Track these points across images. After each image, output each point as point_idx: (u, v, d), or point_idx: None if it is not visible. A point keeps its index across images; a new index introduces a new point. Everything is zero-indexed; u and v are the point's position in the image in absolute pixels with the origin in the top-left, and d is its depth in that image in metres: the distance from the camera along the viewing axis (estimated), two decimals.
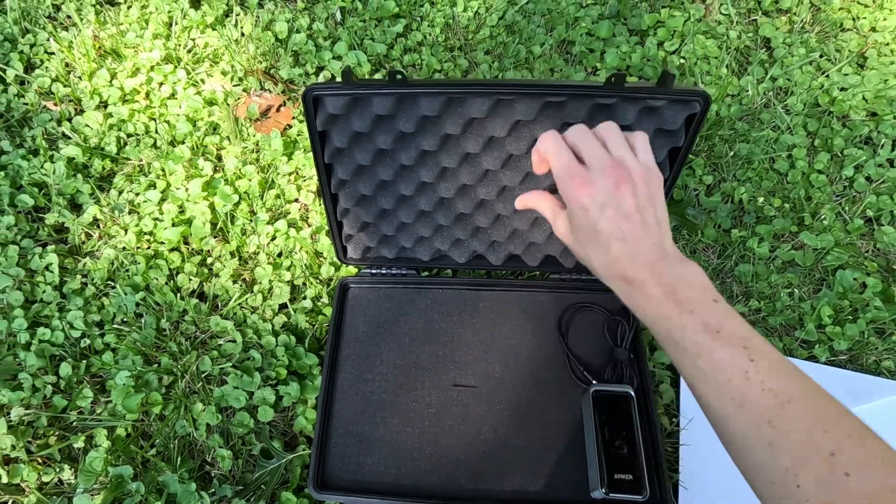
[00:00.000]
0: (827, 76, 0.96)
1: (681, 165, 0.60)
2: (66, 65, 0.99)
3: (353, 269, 0.80)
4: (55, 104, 0.94)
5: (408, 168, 0.64)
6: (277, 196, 0.86)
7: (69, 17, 1.04)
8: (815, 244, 0.80)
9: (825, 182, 0.85)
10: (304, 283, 0.79)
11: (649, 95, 0.53)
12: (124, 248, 0.81)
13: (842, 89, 0.95)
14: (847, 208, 0.83)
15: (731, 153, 0.89)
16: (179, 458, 0.67)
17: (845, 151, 0.88)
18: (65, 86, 0.96)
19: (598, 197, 0.43)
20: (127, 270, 0.80)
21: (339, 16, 1.06)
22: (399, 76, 0.53)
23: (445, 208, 0.69)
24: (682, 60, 1.00)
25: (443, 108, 0.56)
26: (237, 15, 1.05)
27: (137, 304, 0.77)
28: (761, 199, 0.84)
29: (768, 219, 0.83)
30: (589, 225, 0.43)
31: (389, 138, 0.60)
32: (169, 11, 1.05)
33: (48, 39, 1.00)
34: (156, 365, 0.73)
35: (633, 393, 0.64)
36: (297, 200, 0.87)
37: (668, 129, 0.56)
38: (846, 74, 0.96)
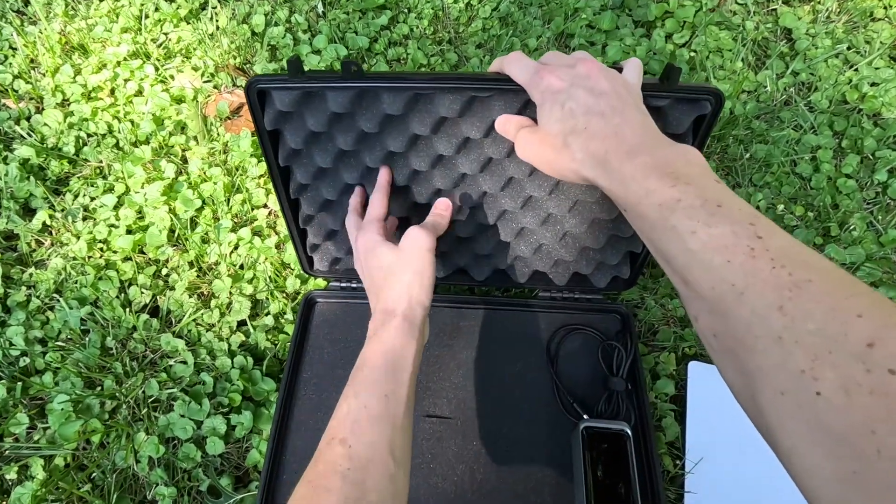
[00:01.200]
0: (856, 70, 0.86)
1: None
2: (32, 61, 0.94)
3: (321, 283, 0.72)
4: (14, 102, 0.88)
5: (374, 171, 0.56)
6: (244, 201, 0.79)
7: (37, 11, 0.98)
8: (844, 258, 0.70)
9: (854, 188, 0.76)
10: (268, 298, 0.72)
11: (651, 93, 0.45)
12: (74, 258, 0.74)
13: (872, 84, 0.85)
14: (880, 218, 0.74)
15: (748, 155, 0.80)
16: (116, 495, 0.59)
17: (877, 153, 0.78)
18: (27, 83, 0.90)
19: (567, 78, 0.39)
20: (76, 282, 0.73)
21: (320, 7, 0.99)
22: (354, 68, 0.45)
23: (420, 215, 0.60)
24: (693, 54, 0.91)
25: (408, 106, 0.48)
26: (213, 7, 0.98)
27: (83, 320, 0.70)
28: (781, 207, 0.75)
29: (790, 229, 0.74)
30: (561, 110, 0.38)
31: (350, 139, 0.52)
32: (141, 4, 0.99)
33: (13, 35, 0.95)
34: (98, 388, 0.66)
35: (629, 431, 0.55)
36: (265, 206, 0.80)
37: (673, 133, 0.48)
38: (877, 68, 0.86)
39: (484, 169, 0.54)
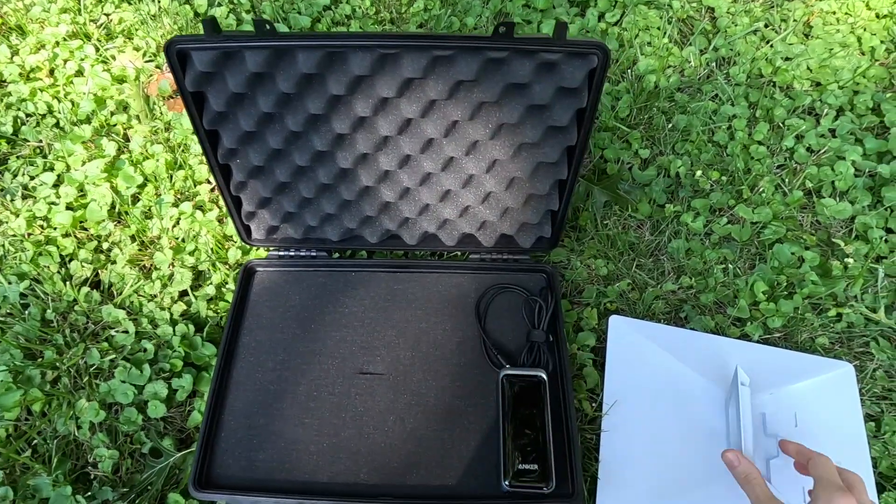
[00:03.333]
0: (771, 46, 0.92)
1: (589, 126, 0.55)
2: None
3: (262, 253, 0.74)
4: None
5: (299, 135, 0.58)
6: (186, 177, 0.80)
7: None
8: (752, 217, 0.76)
9: (765, 153, 0.81)
10: (209, 269, 0.74)
11: (541, 47, 0.48)
12: (13, 235, 0.75)
13: (786, 59, 0.91)
14: (787, 180, 0.79)
15: (670, 125, 0.85)
16: (57, 460, 0.61)
17: (787, 122, 0.84)
18: None
19: None
20: (15, 258, 0.73)
21: None
22: (267, 26, 0.48)
23: (349, 182, 0.64)
24: (624, 32, 0.96)
25: (322, 64, 0.51)
26: None
27: (23, 295, 0.71)
28: (699, 173, 0.80)
29: (705, 192, 0.79)
30: None
31: (271, 100, 0.54)
32: None
33: None
34: (39, 359, 0.67)
35: (545, 377, 0.59)
36: (207, 181, 0.81)
37: (569, 88, 0.52)
38: (790, 44, 0.92)
39: (402, 131, 0.57)
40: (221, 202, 0.79)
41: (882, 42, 0.91)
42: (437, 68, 0.51)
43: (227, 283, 0.73)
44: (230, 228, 0.76)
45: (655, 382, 0.64)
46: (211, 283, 0.73)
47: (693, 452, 0.59)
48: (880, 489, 0.59)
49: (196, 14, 0.97)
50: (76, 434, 0.63)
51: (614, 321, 0.68)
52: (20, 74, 0.88)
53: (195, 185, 0.80)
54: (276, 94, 0.54)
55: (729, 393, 0.61)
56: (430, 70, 0.51)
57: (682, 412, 0.62)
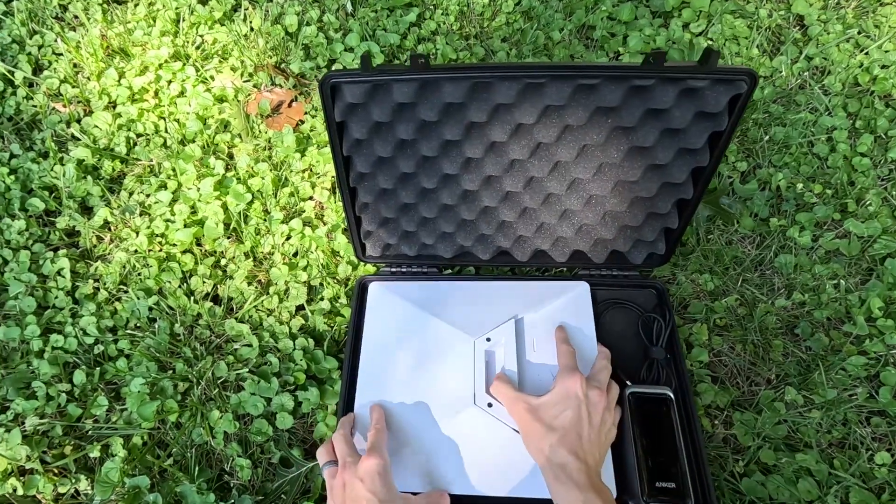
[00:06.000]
0: (866, 53, 0.91)
1: (722, 151, 0.55)
2: (75, 65, 0.98)
3: (371, 268, 0.77)
4: (64, 106, 0.92)
5: (430, 159, 0.60)
6: (291, 194, 0.83)
7: (76, 17, 1.02)
8: (861, 232, 0.75)
9: (869, 165, 0.80)
10: (321, 284, 0.76)
11: (691, 75, 0.49)
12: (136, 251, 0.79)
13: (883, 67, 0.89)
14: (894, 193, 0.78)
15: (767, 137, 0.84)
16: (197, 468, 0.64)
17: (890, 132, 0.83)
18: (73, 87, 0.94)
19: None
20: (139, 274, 0.77)
21: (349, 6, 1.03)
22: (422, 60, 0.50)
23: (469, 202, 0.65)
24: (710, 42, 0.95)
25: (468, 94, 0.53)
26: (245, 9, 1.02)
27: (150, 309, 0.75)
28: (801, 186, 0.79)
29: (809, 206, 0.79)
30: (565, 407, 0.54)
31: (411, 127, 0.56)
32: (176, 8, 1.03)
33: (56, 40, 0.98)
34: (170, 371, 0.71)
35: (671, 395, 0.60)
36: (311, 198, 0.84)
37: (709, 112, 0.52)
38: (887, 51, 0.90)
39: (533, 154, 0.59)
40: (326, 217, 0.82)
41: None
42: (578, 96, 0.52)
43: (339, 297, 0.76)
44: (336, 244, 0.79)
45: (409, 338, 0.66)
46: (323, 298, 0.75)
47: (434, 396, 0.62)
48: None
49: (287, 33, 1.00)
50: (212, 443, 0.66)
51: (373, 287, 0.70)
52: (128, 97, 0.93)
53: (300, 202, 0.83)
54: (417, 122, 0.56)
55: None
56: (572, 98, 0.52)
57: (430, 362, 0.64)
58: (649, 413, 0.60)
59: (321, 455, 0.56)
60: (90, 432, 0.68)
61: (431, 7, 1.02)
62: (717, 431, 0.66)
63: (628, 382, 0.63)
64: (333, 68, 0.97)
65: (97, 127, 0.90)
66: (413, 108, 0.55)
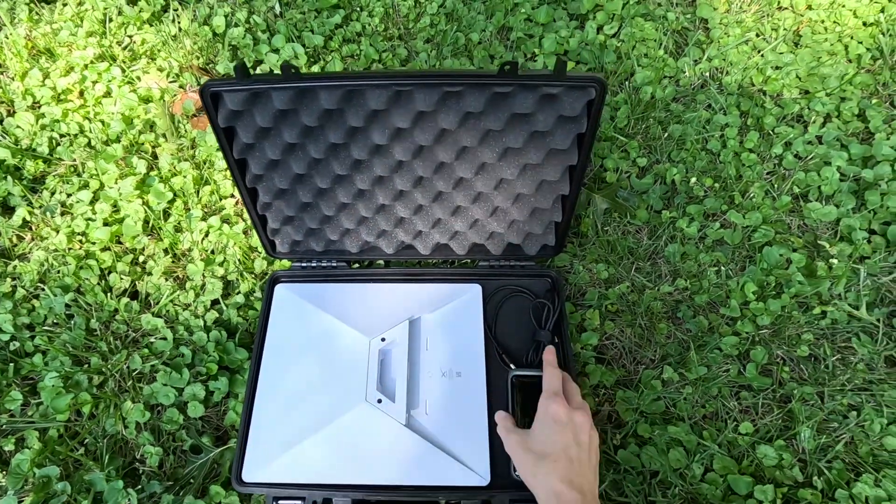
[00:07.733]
0: (762, 55, 0.96)
1: (588, 150, 0.60)
2: None
3: (286, 263, 0.80)
4: None
5: (320, 161, 0.64)
6: (212, 192, 0.86)
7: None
8: (743, 222, 0.81)
9: (755, 160, 0.86)
10: (238, 279, 0.79)
11: (543, 83, 0.53)
12: (55, 250, 0.81)
13: (776, 68, 0.95)
14: (776, 186, 0.84)
15: (666, 135, 0.90)
16: (108, 457, 0.67)
17: (776, 129, 0.89)
18: None
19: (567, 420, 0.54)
20: (58, 272, 0.79)
21: (277, 8, 1.05)
22: (293, 70, 0.53)
23: (366, 199, 0.69)
24: (621, 43, 1.00)
25: (343, 100, 0.56)
26: (175, 10, 1.03)
27: (68, 306, 0.77)
28: (694, 179, 0.85)
29: (699, 199, 0.84)
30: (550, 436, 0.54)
31: (295, 132, 0.60)
32: (105, 8, 1.04)
33: None
34: (86, 365, 0.73)
35: None
36: (232, 196, 0.87)
37: (569, 116, 0.57)
38: (780, 53, 0.97)
39: (416, 156, 0.63)
40: (245, 215, 0.85)
41: (868, 49, 0.95)
42: (447, 102, 0.56)
43: (254, 291, 0.79)
44: (254, 240, 0.82)
45: (310, 338, 0.70)
46: (239, 292, 0.78)
47: (330, 392, 0.65)
48: (857, 473, 0.64)
49: (214, 34, 1.02)
50: (124, 433, 0.69)
51: (278, 289, 0.74)
52: (52, 97, 0.94)
53: (221, 199, 0.86)
54: (300, 127, 0.59)
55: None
56: (441, 104, 0.56)
57: (329, 361, 0.68)
58: (532, 395, 0.64)
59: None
60: (4, 426, 0.70)
61: (357, 9, 1.05)
62: (603, 409, 0.71)
63: (512, 366, 0.67)
64: (258, 70, 0.99)
65: (19, 127, 0.91)
66: (295, 113, 0.58)
